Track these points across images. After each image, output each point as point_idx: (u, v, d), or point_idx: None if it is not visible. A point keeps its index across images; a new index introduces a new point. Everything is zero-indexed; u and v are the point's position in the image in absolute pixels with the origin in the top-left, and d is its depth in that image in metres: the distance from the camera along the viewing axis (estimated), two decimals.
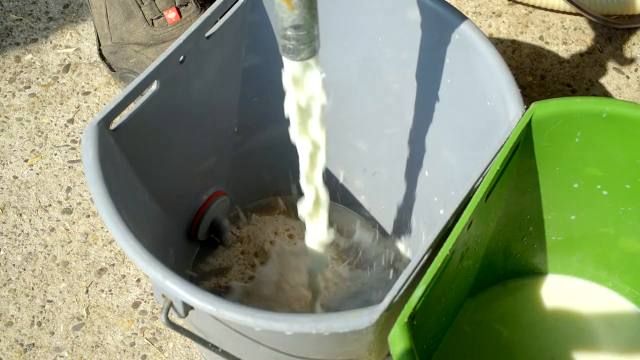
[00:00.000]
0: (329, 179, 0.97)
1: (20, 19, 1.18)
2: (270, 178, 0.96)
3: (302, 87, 0.67)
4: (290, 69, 0.66)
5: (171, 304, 0.62)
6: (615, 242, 0.82)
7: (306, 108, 0.69)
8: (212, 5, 0.76)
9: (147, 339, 0.92)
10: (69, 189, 1.02)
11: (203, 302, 0.59)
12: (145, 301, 0.94)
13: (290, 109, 0.69)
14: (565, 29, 1.18)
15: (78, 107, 1.10)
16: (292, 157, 0.97)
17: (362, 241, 0.96)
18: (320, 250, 0.80)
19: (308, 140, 0.72)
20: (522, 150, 0.72)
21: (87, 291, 0.95)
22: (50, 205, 1.01)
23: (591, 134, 0.73)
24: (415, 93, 0.83)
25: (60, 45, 1.16)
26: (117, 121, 0.70)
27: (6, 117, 1.09)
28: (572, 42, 1.16)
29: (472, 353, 0.83)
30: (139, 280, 0.96)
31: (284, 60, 0.66)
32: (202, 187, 0.89)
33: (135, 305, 0.94)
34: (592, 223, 0.81)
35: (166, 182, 0.82)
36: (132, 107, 0.72)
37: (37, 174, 1.04)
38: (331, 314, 0.58)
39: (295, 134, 0.71)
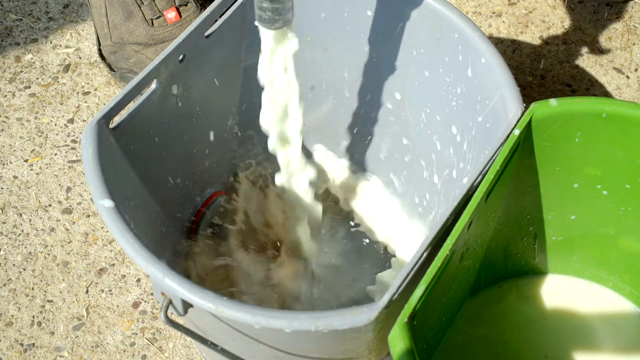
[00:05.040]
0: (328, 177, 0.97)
1: (20, 19, 1.18)
2: (270, 178, 0.96)
3: (277, 54, 0.73)
4: (266, 36, 0.71)
5: (170, 302, 0.62)
6: (615, 242, 0.82)
7: (281, 74, 0.75)
8: (212, 5, 0.77)
9: (147, 339, 0.92)
10: (69, 189, 1.02)
11: (202, 300, 0.59)
12: (145, 301, 0.94)
13: (264, 74, 0.74)
14: (565, 29, 1.18)
15: (78, 107, 1.10)
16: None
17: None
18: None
19: (279, 110, 0.77)
20: (522, 150, 0.72)
21: (87, 291, 0.95)
22: (50, 205, 1.01)
23: (591, 134, 0.72)
24: (415, 93, 0.83)
25: (60, 45, 1.16)
26: (116, 120, 0.70)
27: (6, 117, 1.09)
28: (572, 42, 1.16)
29: (472, 353, 0.83)
30: (139, 280, 0.96)
31: (260, 28, 0.70)
32: (202, 186, 0.89)
33: (135, 305, 0.94)
34: (592, 223, 0.81)
35: (166, 181, 0.82)
36: (132, 105, 0.72)
37: (37, 174, 1.04)
38: (330, 312, 0.58)
39: (266, 103, 0.77)
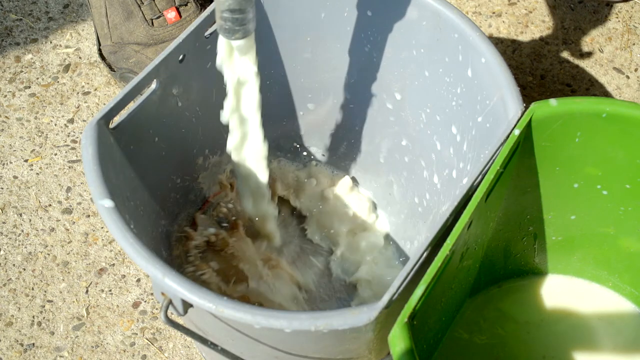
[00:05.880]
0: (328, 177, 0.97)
1: (20, 19, 1.18)
2: (270, 177, 0.96)
3: (236, 65, 0.73)
4: (224, 46, 0.71)
5: (170, 302, 0.62)
6: (615, 242, 0.82)
7: (240, 85, 0.74)
8: (212, 5, 0.76)
9: (147, 339, 0.92)
10: (69, 189, 1.02)
11: (202, 300, 0.59)
12: (145, 301, 0.94)
13: (228, 84, 0.74)
14: (565, 29, 1.18)
15: (78, 107, 1.10)
16: (292, 155, 0.97)
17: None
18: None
19: (237, 119, 0.77)
20: (522, 150, 0.72)
21: (87, 291, 0.95)
22: (50, 205, 1.01)
23: (591, 134, 0.72)
24: (415, 93, 0.83)
25: (60, 45, 1.16)
26: (116, 120, 0.70)
27: (6, 117, 1.09)
28: (572, 42, 1.16)
29: (472, 353, 0.83)
30: (139, 280, 0.96)
31: (220, 38, 0.70)
32: (202, 186, 0.89)
33: (135, 305, 0.94)
34: (592, 223, 0.81)
35: (166, 181, 0.82)
36: (132, 105, 0.72)
37: (37, 174, 1.04)
38: (330, 312, 0.58)
39: (227, 111, 0.76)
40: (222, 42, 0.71)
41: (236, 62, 0.73)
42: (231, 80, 0.74)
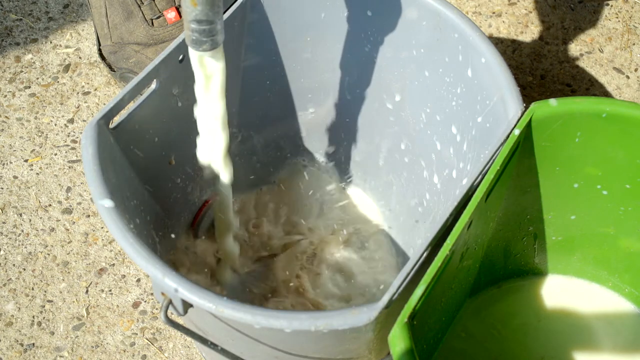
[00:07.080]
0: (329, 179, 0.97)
1: (20, 19, 1.18)
2: (270, 178, 0.96)
3: (207, 76, 0.71)
4: (195, 57, 0.70)
5: (170, 302, 0.62)
6: (615, 242, 0.82)
7: (210, 94, 0.73)
8: None
9: (147, 339, 0.92)
10: (69, 189, 1.02)
11: (202, 300, 0.59)
12: (145, 301, 0.94)
13: (197, 94, 0.73)
14: (565, 29, 1.18)
15: (78, 107, 1.10)
16: (292, 156, 0.97)
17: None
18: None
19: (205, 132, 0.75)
20: (522, 150, 0.72)
21: (87, 291, 0.95)
22: (50, 205, 1.01)
23: (591, 134, 0.73)
24: (415, 93, 0.83)
25: (60, 45, 1.16)
26: (116, 120, 0.70)
27: (6, 117, 1.09)
28: (572, 42, 1.16)
29: (472, 352, 0.83)
30: (139, 280, 0.96)
31: (189, 49, 0.69)
32: (201, 186, 0.89)
33: (135, 305, 0.94)
34: (592, 223, 0.81)
35: (166, 181, 0.82)
36: (132, 105, 0.72)
37: (37, 174, 1.04)
38: (331, 312, 0.58)
39: (200, 120, 0.75)
40: (192, 52, 0.70)
41: (204, 74, 0.72)
42: (200, 93, 0.73)
